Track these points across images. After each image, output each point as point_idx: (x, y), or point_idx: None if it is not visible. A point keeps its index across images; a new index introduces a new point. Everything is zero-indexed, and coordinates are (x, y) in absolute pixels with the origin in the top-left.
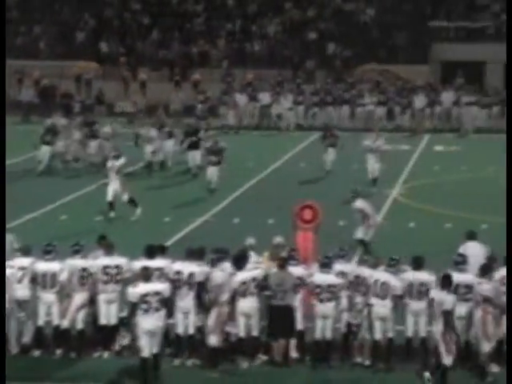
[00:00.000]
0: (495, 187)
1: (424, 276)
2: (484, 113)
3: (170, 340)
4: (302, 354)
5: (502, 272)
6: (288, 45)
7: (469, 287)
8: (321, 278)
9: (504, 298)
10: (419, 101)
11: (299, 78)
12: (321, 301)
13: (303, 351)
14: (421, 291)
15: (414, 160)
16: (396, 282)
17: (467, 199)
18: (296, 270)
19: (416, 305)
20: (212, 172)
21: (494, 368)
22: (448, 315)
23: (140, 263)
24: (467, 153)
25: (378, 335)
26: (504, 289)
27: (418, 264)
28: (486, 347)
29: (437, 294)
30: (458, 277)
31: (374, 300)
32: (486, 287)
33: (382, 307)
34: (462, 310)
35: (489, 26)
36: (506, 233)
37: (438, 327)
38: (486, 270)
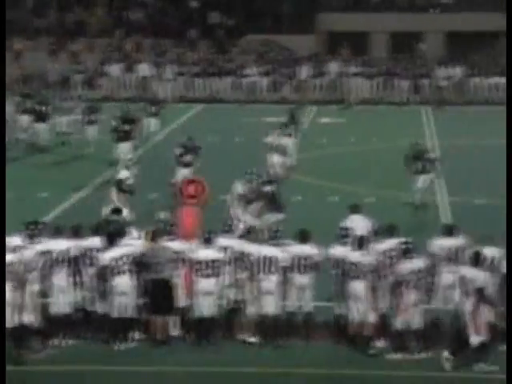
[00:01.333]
0: (381, 160)
1: (309, 249)
2: (369, 84)
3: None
4: (185, 331)
5: (384, 245)
6: (169, 13)
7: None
8: (202, 253)
9: (388, 270)
10: (304, 71)
11: (181, 48)
12: (202, 276)
13: (186, 329)
14: (306, 265)
15: (300, 132)
16: (283, 254)
17: (353, 172)
18: (173, 245)
19: (301, 278)
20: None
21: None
22: (481, 292)
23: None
24: (353, 125)
25: (266, 309)
26: (387, 260)
27: (303, 237)
28: (371, 318)
29: (469, 271)
30: (340, 250)
31: (261, 275)
32: (363, 259)
33: (268, 282)
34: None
35: None
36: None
37: (468, 304)
38: (362, 243)
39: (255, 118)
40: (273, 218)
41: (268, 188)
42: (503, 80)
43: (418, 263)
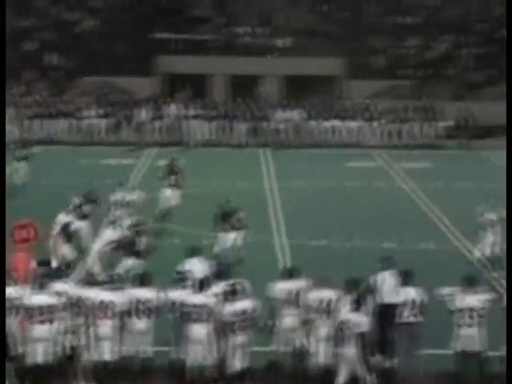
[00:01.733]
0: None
1: (148, 293)
2: (209, 126)
3: None
4: (21, 380)
5: (217, 287)
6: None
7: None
8: (35, 298)
9: (224, 310)
10: (143, 114)
11: (17, 89)
12: (36, 322)
13: (21, 377)
14: (144, 309)
15: (137, 174)
16: (120, 299)
17: (193, 215)
18: (10, 291)
19: (139, 323)
20: None
21: None
22: (364, 337)
23: None
24: (193, 167)
25: (102, 355)
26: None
27: (142, 281)
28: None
29: (350, 315)
30: (178, 294)
31: (97, 320)
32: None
33: (105, 327)
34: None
35: (213, 39)
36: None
37: (350, 349)
38: (202, 285)
39: (93, 160)
40: (129, 263)
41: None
42: (338, 123)
43: (243, 305)
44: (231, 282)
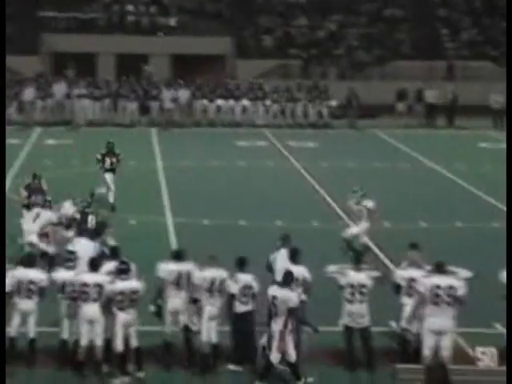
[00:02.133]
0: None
1: (34, 274)
2: (96, 105)
3: None
4: None
5: (107, 266)
6: None
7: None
8: None
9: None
10: (29, 93)
11: None
12: None
13: None
14: (30, 289)
15: (24, 154)
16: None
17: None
18: None
19: (24, 304)
20: None
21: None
22: (293, 313)
23: None
24: (81, 146)
25: None
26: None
27: (29, 262)
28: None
29: (279, 291)
30: (66, 274)
31: None
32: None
33: None
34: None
35: (100, 18)
36: (506, 235)
37: (277, 324)
38: (93, 265)
39: None
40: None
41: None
42: (227, 103)
43: (129, 284)
44: (120, 260)
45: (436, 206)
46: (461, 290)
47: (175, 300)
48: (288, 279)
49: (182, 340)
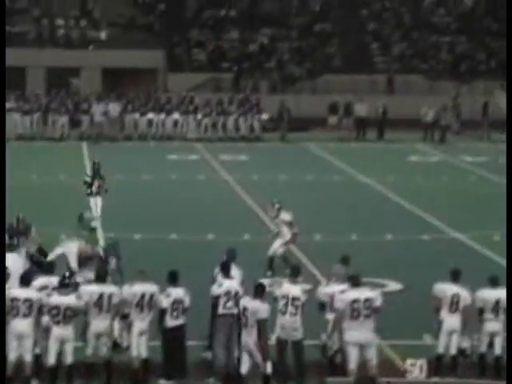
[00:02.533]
0: (42, 196)
1: None
2: (26, 119)
3: None
4: None
5: (39, 281)
6: None
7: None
8: None
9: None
10: None
11: None
12: None
13: None
14: None
15: None
16: None
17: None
18: None
19: None
20: None
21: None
22: (264, 324)
23: None
24: (11, 160)
25: None
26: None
27: None
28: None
29: (250, 302)
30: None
31: None
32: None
33: None
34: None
35: (29, 31)
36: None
37: (251, 336)
38: (25, 280)
39: None
40: None
41: None
42: (159, 116)
43: (67, 300)
44: (63, 275)
45: (367, 219)
46: (378, 301)
47: (98, 323)
48: (259, 291)
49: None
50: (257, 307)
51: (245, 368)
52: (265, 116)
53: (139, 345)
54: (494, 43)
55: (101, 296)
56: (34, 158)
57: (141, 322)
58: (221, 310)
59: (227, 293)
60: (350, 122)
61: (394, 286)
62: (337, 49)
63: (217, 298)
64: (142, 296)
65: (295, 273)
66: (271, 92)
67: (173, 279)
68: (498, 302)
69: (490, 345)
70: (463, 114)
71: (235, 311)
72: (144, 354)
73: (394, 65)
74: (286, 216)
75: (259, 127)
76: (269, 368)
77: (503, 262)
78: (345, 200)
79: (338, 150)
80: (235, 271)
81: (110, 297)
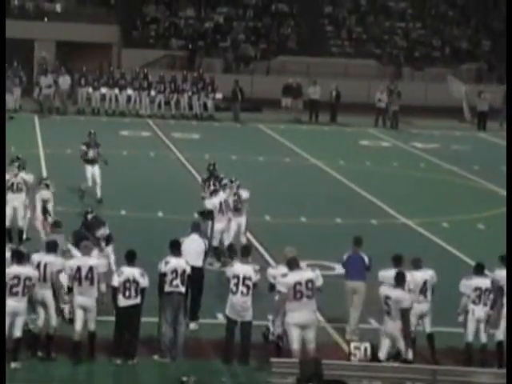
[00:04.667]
0: None
1: None
2: None
3: None
4: None
5: None
6: None
7: None
8: None
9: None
10: None
11: None
12: None
13: None
14: None
15: None
16: None
17: None
18: None
19: None
20: None
21: None
22: (407, 313)
23: None
24: None
25: None
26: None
27: None
28: None
29: (392, 291)
30: None
31: None
32: None
33: None
34: None
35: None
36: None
37: (396, 323)
38: None
39: None
40: None
41: None
42: (112, 91)
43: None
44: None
45: (316, 202)
46: (319, 281)
47: (40, 292)
48: (399, 279)
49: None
50: (401, 297)
51: (383, 352)
52: (218, 95)
53: (83, 318)
54: (449, 30)
55: (41, 265)
56: None
57: (81, 296)
58: (167, 288)
59: (174, 271)
60: (300, 105)
61: (339, 269)
62: (292, 30)
63: (163, 276)
64: (78, 269)
65: (246, 252)
66: (225, 71)
67: (129, 258)
68: (425, 283)
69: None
70: (416, 100)
71: (182, 289)
72: (91, 327)
73: (347, 48)
74: (245, 193)
75: (213, 106)
76: (410, 355)
77: (450, 248)
78: (295, 182)
79: (291, 132)
80: (198, 242)
81: (45, 266)
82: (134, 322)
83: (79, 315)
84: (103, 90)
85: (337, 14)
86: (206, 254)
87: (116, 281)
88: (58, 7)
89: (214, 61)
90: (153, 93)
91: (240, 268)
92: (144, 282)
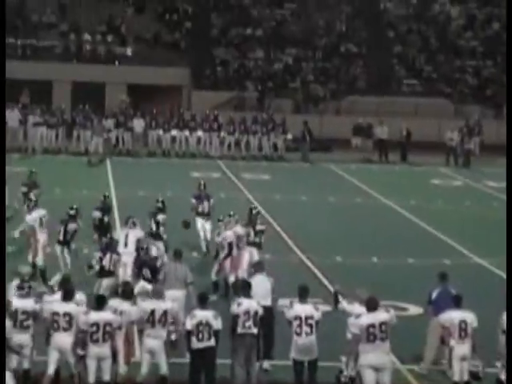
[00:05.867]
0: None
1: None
2: (51, 133)
3: None
4: None
5: None
6: None
7: None
8: None
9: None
10: None
11: None
12: None
13: None
14: None
15: None
16: None
17: None
18: None
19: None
20: None
21: None
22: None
23: None
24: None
25: None
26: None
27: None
28: None
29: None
30: None
31: None
32: None
33: None
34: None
35: (56, 46)
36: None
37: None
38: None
39: None
40: None
41: None
42: (182, 133)
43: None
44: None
45: (388, 242)
46: (392, 321)
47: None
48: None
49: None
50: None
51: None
52: (289, 136)
53: (150, 362)
54: None
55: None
56: (59, 171)
57: (152, 339)
58: (240, 330)
59: (246, 312)
60: (370, 144)
61: (413, 309)
62: (361, 70)
63: (236, 317)
64: (152, 312)
65: (305, 293)
66: (295, 112)
67: (201, 301)
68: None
69: None
70: (488, 139)
71: (254, 331)
72: (162, 370)
73: (418, 87)
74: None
75: (283, 147)
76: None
77: None
78: (367, 222)
79: (361, 172)
80: (265, 281)
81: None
82: (208, 365)
83: (146, 358)
84: (174, 131)
85: (406, 53)
86: (273, 292)
87: (189, 324)
88: (129, 51)
89: (284, 101)
90: (223, 134)
91: (300, 308)
92: (217, 324)
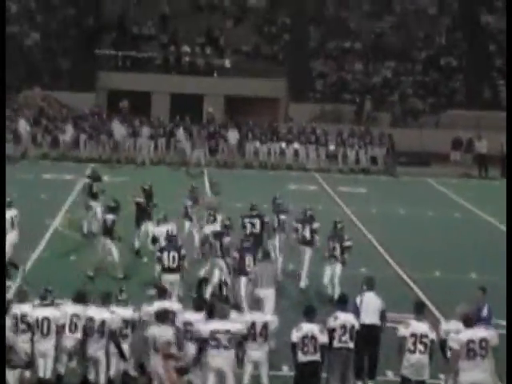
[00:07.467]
0: None
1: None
2: (151, 144)
3: None
4: None
5: None
6: None
7: None
8: None
9: None
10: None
11: None
12: None
13: None
14: None
15: (77, 190)
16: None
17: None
18: None
19: None
20: None
21: None
22: None
23: None
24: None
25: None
26: None
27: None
28: None
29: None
30: None
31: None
32: None
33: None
34: None
35: (156, 57)
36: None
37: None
38: None
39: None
40: None
41: None
42: (279, 145)
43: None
44: None
45: (487, 258)
46: (494, 340)
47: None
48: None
49: None
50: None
51: None
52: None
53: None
54: None
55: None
56: (158, 182)
57: (255, 351)
58: (336, 344)
59: (342, 326)
60: (470, 159)
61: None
62: (461, 84)
63: (332, 331)
64: (253, 325)
65: (421, 310)
66: (393, 125)
67: (308, 314)
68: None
69: None
70: None
71: (351, 345)
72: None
73: None
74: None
75: (382, 160)
76: None
77: None
78: (465, 237)
79: (460, 187)
80: (375, 299)
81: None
82: (313, 379)
83: (248, 370)
84: (270, 144)
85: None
86: (384, 312)
87: (295, 336)
88: (228, 63)
89: (382, 114)
90: (320, 146)
91: (417, 326)
92: (323, 338)
